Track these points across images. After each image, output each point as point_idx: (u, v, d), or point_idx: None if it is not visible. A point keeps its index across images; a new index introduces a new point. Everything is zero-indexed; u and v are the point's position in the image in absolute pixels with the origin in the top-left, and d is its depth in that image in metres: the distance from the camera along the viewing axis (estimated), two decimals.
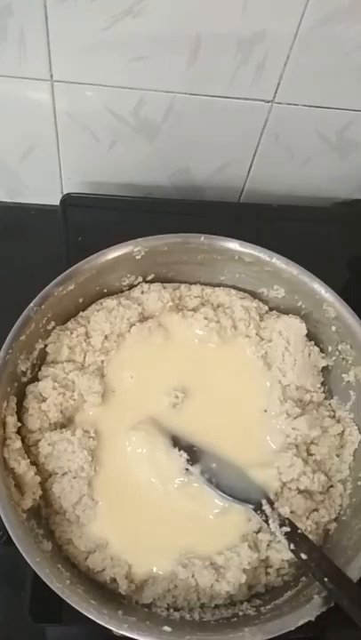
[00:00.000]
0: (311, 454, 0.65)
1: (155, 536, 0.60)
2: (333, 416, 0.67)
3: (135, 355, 0.68)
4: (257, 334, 0.70)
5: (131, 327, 0.68)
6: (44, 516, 0.60)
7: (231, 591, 0.57)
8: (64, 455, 0.60)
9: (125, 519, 0.60)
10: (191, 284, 0.73)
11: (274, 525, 0.58)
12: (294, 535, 0.58)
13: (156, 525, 0.60)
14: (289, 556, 0.58)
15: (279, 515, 0.59)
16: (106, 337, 0.67)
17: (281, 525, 0.58)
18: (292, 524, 0.58)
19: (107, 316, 0.67)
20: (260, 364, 0.68)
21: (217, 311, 0.71)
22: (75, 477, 0.60)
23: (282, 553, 0.59)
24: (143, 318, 0.69)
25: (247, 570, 0.57)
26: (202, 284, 0.73)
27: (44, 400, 0.63)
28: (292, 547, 0.57)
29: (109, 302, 0.69)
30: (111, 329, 0.67)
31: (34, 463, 0.61)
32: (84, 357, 0.67)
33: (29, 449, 0.62)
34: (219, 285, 0.73)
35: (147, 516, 0.60)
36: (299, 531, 0.58)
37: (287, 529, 0.58)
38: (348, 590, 0.53)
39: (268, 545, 0.60)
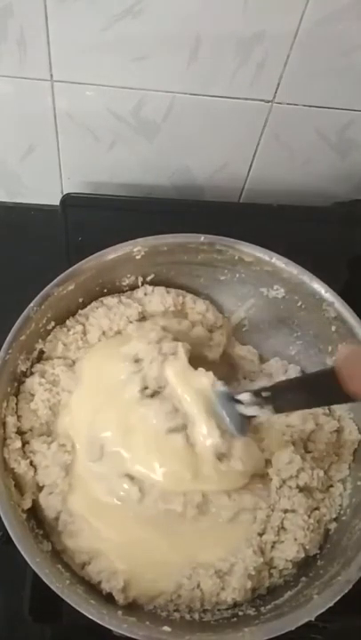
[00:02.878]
0: (309, 451, 0.65)
1: (152, 551, 0.58)
2: (330, 414, 0.67)
3: None
4: None
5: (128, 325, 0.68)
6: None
7: (237, 598, 0.57)
8: (40, 469, 0.59)
9: (117, 532, 0.58)
10: (197, 294, 0.73)
11: (262, 410, 0.54)
12: (274, 393, 0.54)
13: (151, 538, 0.58)
14: (292, 555, 0.58)
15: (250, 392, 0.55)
16: (103, 333, 0.67)
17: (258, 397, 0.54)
18: (265, 388, 0.55)
19: (106, 313, 0.67)
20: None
21: None
22: (50, 493, 0.59)
23: (285, 553, 0.59)
24: (142, 318, 0.69)
25: (252, 575, 0.57)
26: (206, 297, 0.73)
27: (32, 397, 0.62)
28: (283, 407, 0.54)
29: (110, 300, 0.69)
30: (110, 325, 0.67)
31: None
32: (78, 354, 0.66)
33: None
34: (219, 285, 0.73)
35: (137, 527, 0.58)
36: (269, 385, 0.54)
37: (268, 393, 0.54)
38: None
39: (272, 546, 0.60)
